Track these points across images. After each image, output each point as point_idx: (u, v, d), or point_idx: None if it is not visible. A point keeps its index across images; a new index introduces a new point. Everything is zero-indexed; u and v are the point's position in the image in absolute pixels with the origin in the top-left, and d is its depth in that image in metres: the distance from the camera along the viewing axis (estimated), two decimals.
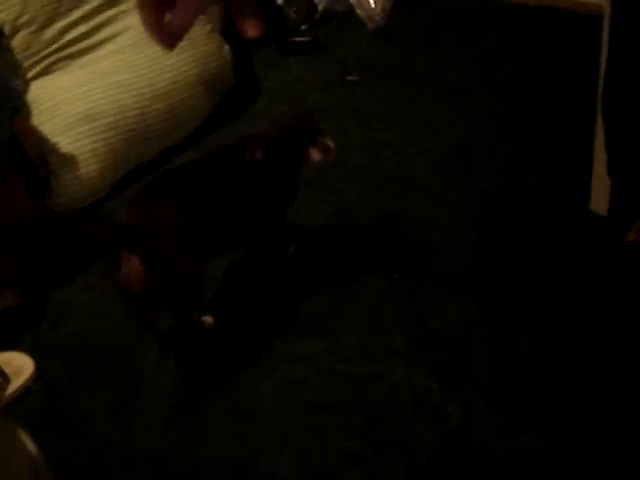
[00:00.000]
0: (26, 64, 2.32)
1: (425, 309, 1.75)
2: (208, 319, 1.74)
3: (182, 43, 2.43)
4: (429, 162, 2.23)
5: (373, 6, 3.13)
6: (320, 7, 3.25)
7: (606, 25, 1.57)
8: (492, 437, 1.45)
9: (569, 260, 1.82)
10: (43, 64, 2.36)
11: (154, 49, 2.42)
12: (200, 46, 2.49)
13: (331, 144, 1.71)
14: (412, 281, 1.83)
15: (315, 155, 1.71)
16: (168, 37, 0.93)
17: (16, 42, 2.29)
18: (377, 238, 1.98)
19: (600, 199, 1.82)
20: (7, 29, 2.24)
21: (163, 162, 2.37)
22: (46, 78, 2.35)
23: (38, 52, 2.35)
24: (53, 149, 2.15)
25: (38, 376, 1.72)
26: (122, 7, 2.48)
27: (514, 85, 2.60)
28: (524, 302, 1.73)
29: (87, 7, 2.42)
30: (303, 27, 3.16)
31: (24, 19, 2.29)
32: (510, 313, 1.71)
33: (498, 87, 2.59)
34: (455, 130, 2.37)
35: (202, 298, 1.71)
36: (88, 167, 2.20)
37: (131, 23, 2.45)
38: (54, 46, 2.38)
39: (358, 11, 3.18)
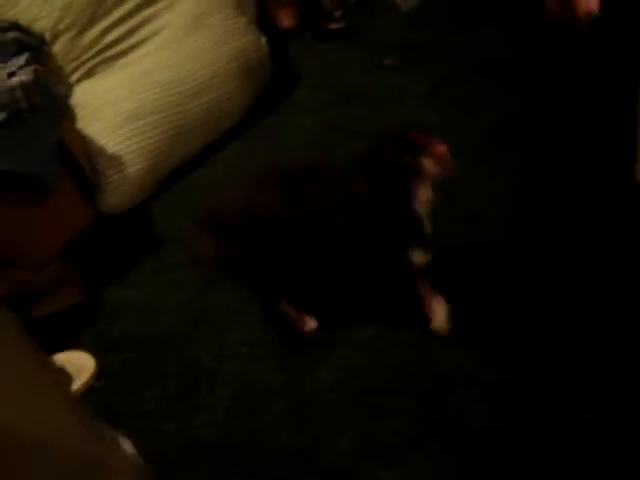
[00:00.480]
0: (68, 68, 2.36)
1: (467, 283, 1.74)
2: (312, 323, 1.75)
3: (219, 37, 2.42)
4: (471, 140, 2.22)
5: None
6: None
7: None
8: (542, 412, 1.45)
9: (614, 231, 1.80)
10: (85, 67, 2.40)
11: (192, 45, 2.47)
12: (238, 39, 2.51)
13: (442, 148, 1.49)
14: (455, 256, 1.82)
15: (429, 165, 1.49)
16: None
17: (58, 47, 2.32)
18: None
19: None
20: (48, 35, 2.27)
21: (207, 156, 2.39)
22: (89, 81, 2.39)
23: (79, 56, 2.39)
24: (101, 151, 2.19)
25: (99, 373, 1.76)
26: (159, 5, 2.50)
27: (552, 58, 2.57)
28: (566, 272, 1.72)
29: (125, 8, 2.45)
30: (337, 13, 3.16)
31: (64, 24, 2.33)
32: (549, 284, 1.70)
33: (535, 60, 2.56)
34: (496, 106, 2.35)
35: (280, 291, 1.74)
36: (136, 166, 2.23)
37: (168, 21, 2.48)
38: (95, 49, 2.41)
39: None
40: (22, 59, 1.93)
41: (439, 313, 1.65)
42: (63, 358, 1.76)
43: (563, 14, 0.95)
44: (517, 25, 2.83)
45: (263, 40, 2.65)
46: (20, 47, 1.99)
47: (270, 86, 2.65)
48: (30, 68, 1.91)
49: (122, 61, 2.44)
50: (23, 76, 1.88)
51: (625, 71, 1.91)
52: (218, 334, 1.80)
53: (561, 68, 2.50)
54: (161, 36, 2.49)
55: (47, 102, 1.93)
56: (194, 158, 2.38)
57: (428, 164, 1.49)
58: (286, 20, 3.17)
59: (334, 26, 3.06)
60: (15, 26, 2.06)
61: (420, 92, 2.53)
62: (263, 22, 2.96)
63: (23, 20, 2.19)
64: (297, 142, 2.39)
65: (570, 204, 1.92)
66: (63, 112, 2.06)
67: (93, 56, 2.41)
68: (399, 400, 1.55)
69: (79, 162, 2.08)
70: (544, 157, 2.10)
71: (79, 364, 1.76)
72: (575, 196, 1.94)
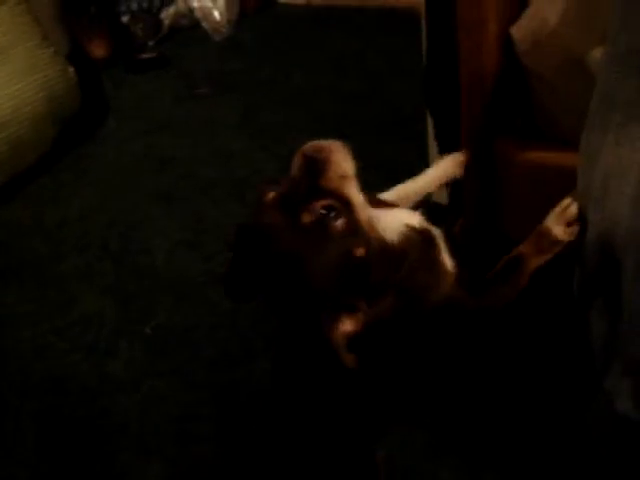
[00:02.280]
0: None
1: None
2: None
3: (24, 69, 2.37)
4: (280, 167, 2.28)
5: (218, 18, 3.19)
6: (166, 22, 3.27)
7: (423, 22, 1.65)
8: None
9: None
10: None
11: None
12: (42, 70, 2.46)
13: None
14: None
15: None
16: None
17: None
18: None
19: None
20: None
21: (15, 191, 2.34)
22: None
23: None
24: None
25: None
26: None
27: (357, 85, 2.69)
28: None
29: None
30: (150, 43, 3.17)
31: None
32: None
33: (342, 88, 2.67)
34: (303, 133, 2.42)
35: None
36: None
37: None
38: None
39: (204, 24, 3.23)
40: None
41: None
42: None
43: None
44: (326, 52, 2.95)
45: (71, 71, 2.61)
46: None
47: (80, 117, 2.61)
48: None
49: None
50: None
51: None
52: (24, 370, 1.75)
53: (367, 95, 2.62)
54: None
55: None
56: (2, 189, 2.32)
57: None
58: (98, 51, 3.14)
59: (146, 55, 3.07)
60: None
61: (231, 120, 2.57)
62: (74, 53, 2.93)
63: None
64: (107, 171, 2.38)
65: None
66: None
67: None
68: (209, 426, 1.55)
69: None
70: None
71: None
72: None
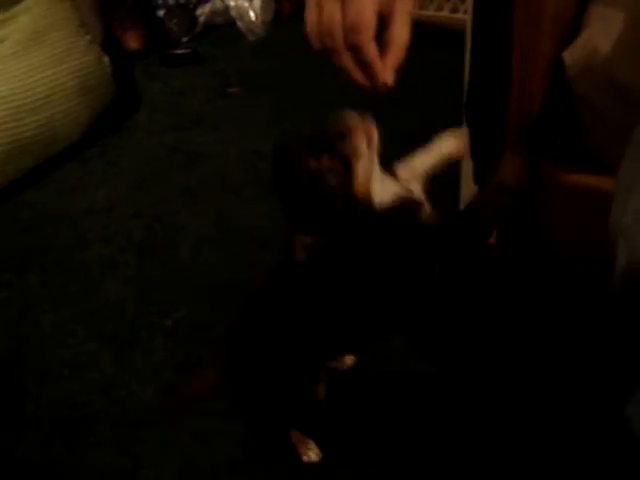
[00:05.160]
0: None
1: None
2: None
3: (60, 54, 2.37)
4: None
5: (254, 19, 3.20)
6: (201, 19, 3.29)
7: (468, 39, 1.66)
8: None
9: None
10: None
11: (31, 60, 2.41)
12: (78, 57, 2.48)
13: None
14: None
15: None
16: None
17: None
18: (257, 248, 2.01)
19: None
20: None
21: (43, 175, 2.34)
22: None
23: None
24: None
25: None
26: None
27: (389, 96, 2.68)
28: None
29: None
30: (184, 39, 3.19)
31: None
32: None
33: (373, 97, 2.67)
34: None
35: None
36: None
37: (8, 34, 2.41)
38: None
39: (239, 23, 3.24)
40: None
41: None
42: None
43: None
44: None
45: (106, 60, 2.63)
46: None
47: (111, 107, 2.62)
48: None
49: None
50: None
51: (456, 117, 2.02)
52: (42, 356, 1.75)
53: (398, 107, 2.61)
54: None
55: None
56: (27, 176, 2.32)
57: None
58: (132, 42, 3.16)
59: (180, 51, 3.08)
60: None
61: (260, 121, 2.58)
62: (109, 43, 2.94)
63: None
64: (136, 163, 2.39)
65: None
66: None
67: None
68: (224, 423, 1.56)
69: None
70: None
71: None
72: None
